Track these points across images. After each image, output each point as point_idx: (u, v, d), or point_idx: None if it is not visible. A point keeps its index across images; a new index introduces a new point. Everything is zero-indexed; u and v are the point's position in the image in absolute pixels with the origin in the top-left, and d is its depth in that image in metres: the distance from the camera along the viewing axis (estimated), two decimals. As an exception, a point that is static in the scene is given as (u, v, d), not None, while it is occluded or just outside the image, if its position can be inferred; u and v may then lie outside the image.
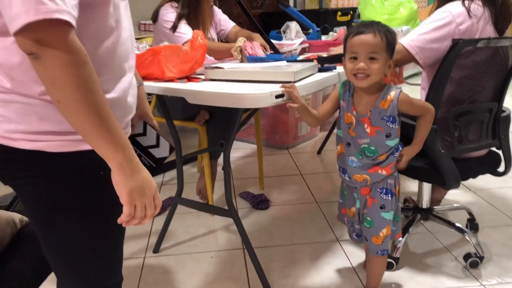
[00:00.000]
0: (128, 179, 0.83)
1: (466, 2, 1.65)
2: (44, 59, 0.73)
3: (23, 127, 0.85)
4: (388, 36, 1.40)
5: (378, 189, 1.52)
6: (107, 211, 0.93)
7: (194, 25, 2.30)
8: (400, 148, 1.52)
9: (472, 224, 2.14)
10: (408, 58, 1.68)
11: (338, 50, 1.96)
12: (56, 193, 0.90)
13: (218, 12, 2.61)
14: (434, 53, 1.65)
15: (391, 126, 1.46)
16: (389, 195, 1.52)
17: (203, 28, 2.33)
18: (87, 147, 0.85)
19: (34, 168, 0.88)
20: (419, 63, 1.67)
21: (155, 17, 2.34)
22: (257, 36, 2.37)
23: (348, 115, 1.50)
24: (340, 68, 1.81)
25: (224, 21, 2.61)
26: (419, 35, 1.66)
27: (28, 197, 0.92)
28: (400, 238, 1.79)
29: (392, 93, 1.44)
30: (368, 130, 1.47)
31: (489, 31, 1.68)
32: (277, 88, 1.42)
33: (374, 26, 1.40)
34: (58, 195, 0.90)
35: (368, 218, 1.55)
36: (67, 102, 0.76)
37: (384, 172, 1.51)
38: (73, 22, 0.75)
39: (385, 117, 1.45)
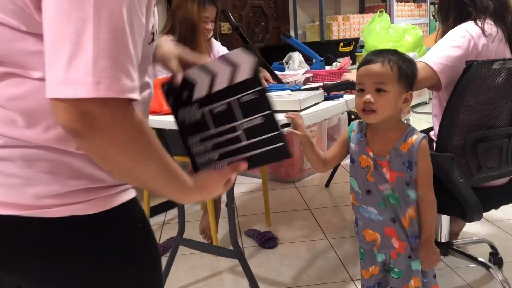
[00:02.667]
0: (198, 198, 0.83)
1: (479, 22, 1.58)
2: (90, 138, 0.61)
3: (54, 187, 0.69)
4: (401, 65, 1.21)
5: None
6: (152, 265, 0.83)
7: None
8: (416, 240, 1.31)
9: (496, 259, 2.00)
10: (432, 76, 1.56)
11: (352, 75, 1.88)
12: (97, 256, 0.74)
13: (216, 44, 2.58)
14: (455, 71, 1.54)
15: (409, 173, 1.25)
16: (416, 238, 1.32)
17: (199, 47, 2.30)
18: (124, 199, 0.75)
19: (66, 239, 0.71)
20: (435, 86, 1.58)
21: None
22: None
23: (363, 157, 1.31)
24: (347, 96, 1.73)
25: (222, 53, 2.57)
26: (439, 52, 1.57)
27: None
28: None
29: (415, 136, 1.24)
30: (387, 175, 1.27)
31: (505, 52, 1.60)
32: (282, 118, 1.33)
33: (385, 54, 1.24)
34: (99, 258, 0.74)
35: (396, 270, 1.36)
36: (118, 171, 0.68)
37: (396, 245, 1.32)
38: (139, 97, 0.63)
39: (405, 162, 1.25)
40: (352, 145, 1.35)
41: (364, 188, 1.34)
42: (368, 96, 1.22)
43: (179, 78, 0.89)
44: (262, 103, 0.83)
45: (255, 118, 0.84)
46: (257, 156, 0.86)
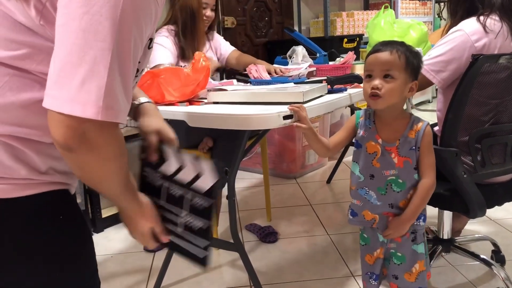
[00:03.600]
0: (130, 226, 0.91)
1: (481, 18, 1.56)
2: (78, 153, 0.69)
3: None
4: (408, 56, 1.26)
5: None
6: (71, 256, 0.83)
7: (189, 42, 2.29)
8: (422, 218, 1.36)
9: (498, 256, 1.98)
10: (428, 81, 1.61)
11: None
12: (9, 242, 0.76)
13: (218, 37, 2.58)
14: (452, 74, 1.58)
15: (416, 157, 1.31)
16: (421, 219, 1.35)
17: (197, 44, 2.30)
18: (41, 189, 0.76)
19: None
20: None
21: None
22: (262, 62, 2.32)
23: (371, 144, 1.34)
24: (351, 90, 1.72)
25: (224, 46, 2.57)
26: (434, 57, 1.59)
27: None
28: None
29: (420, 123, 1.31)
30: (395, 160, 1.31)
31: (509, 48, 1.58)
32: (285, 109, 1.32)
33: (393, 44, 1.28)
34: (12, 244, 0.76)
35: (399, 254, 1.37)
36: (91, 182, 0.77)
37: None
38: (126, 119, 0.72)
39: (413, 147, 1.30)
40: (360, 132, 1.37)
41: (367, 172, 1.36)
42: (376, 82, 1.26)
43: (155, 156, 0.96)
44: (206, 213, 0.90)
45: (198, 220, 0.91)
46: (183, 249, 0.94)
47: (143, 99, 1.04)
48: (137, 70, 0.79)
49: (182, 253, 0.95)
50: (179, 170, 0.94)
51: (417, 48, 1.85)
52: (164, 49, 2.24)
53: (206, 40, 2.47)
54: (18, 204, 0.74)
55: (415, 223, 1.34)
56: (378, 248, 1.40)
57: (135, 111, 1.02)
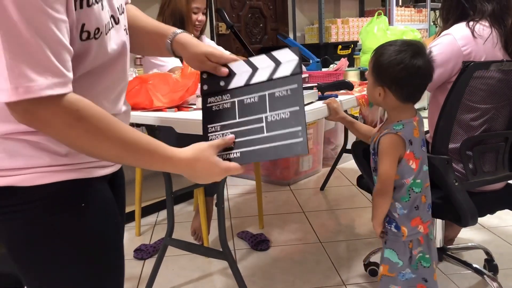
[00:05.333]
0: (193, 178, 0.89)
1: (471, 23, 1.56)
2: (42, 130, 0.74)
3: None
4: (375, 61, 1.31)
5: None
6: (90, 245, 0.84)
7: None
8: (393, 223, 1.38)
9: (491, 265, 1.96)
10: None
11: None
12: (31, 229, 0.80)
13: (210, 42, 2.57)
14: (438, 77, 1.56)
15: (376, 161, 1.36)
16: (392, 225, 1.37)
17: None
18: (64, 177, 0.79)
19: (6, 205, 0.79)
20: None
21: None
22: None
23: None
24: (342, 97, 1.70)
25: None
26: None
27: (4, 236, 0.82)
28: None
29: (385, 131, 1.33)
30: (372, 157, 1.40)
31: (499, 55, 1.57)
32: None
33: (384, 46, 1.33)
34: (33, 230, 0.80)
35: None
36: (84, 152, 0.78)
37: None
38: (65, 89, 0.72)
39: (372, 151, 1.38)
40: None
41: None
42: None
43: (223, 69, 0.96)
44: (292, 100, 0.88)
45: (282, 112, 0.88)
46: (273, 148, 0.88)
47: (176, 31, 1.03)
48: (95, 31, 0.78)
49: (278, 154, 0.89)
50: (252, 74, 0.93)
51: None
52: None
53: None
54: (43, 190, 0.78)
55: (387, 226, 1.38)
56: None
57: (173, 47, 1.02)
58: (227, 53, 0.99)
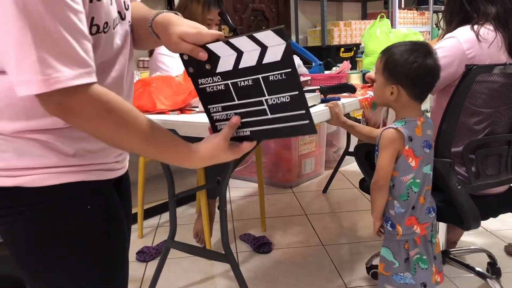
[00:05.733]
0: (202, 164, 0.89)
1: (475, 27, 1.56)
2: (71, 121, 0.74)
3: (0, 164, 0.79)
4: (388, 59, 1.33)
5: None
6: (95, 247, 0.85)
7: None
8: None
9: (494, 269, 1.95)
10: None
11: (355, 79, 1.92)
12: (37, 230, 0.81)
13: None
14: (441, 80, 1.55)
15: (377, 157, 1.39)
16: (388, 224, 1.39)
17: None
18: (71, 179, 0.80)
19: (13, 206, 0.80)
20: None
21: (151, 50, 2.28)
22: None
23: None
24: (344, 99, 1.70)
25: None
26: None
27: (9, 238, 0.82)
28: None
29: (387, 127, 1.36)
30: (376, 154, 1.42)
31: (503, 59, 1.57)
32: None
33: (393, 47, 1.36)
34: (39, 231, 0.81)
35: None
36: (109, 144, 0.80)
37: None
38: (92, 79, 0.72)
39: (376, 147, 1.39)
40: None
41: None
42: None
43: (204, 53, 0.86)
44: (289, 84, 0.85)
45: (282, 96, 0.86)
46: (281, 128, 0.88)
47: (159, 11, 0.93)
48: (104, 25, 0.79)
49: (287, 133, 0.89)
50: (239, 58, 0.86)
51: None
52: (171, 58, 2.22)
53: None
54: (50, 192, 0.79)
55: (384, 224, 1.39)
56: None
57: (155, 30, 0.92)
58: (205, 30, 0.87)
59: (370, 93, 1.94)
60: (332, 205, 2.97)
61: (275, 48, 0.83)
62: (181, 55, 0.90)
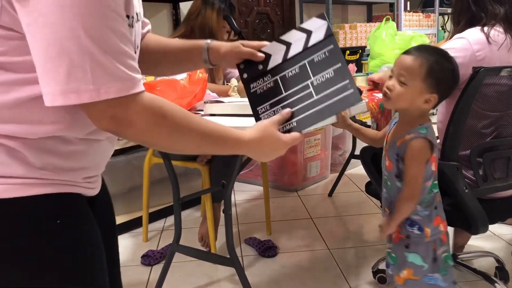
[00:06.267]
0: (259, 157, 0.93)
1: (486, 28, 1.54)
2: (126, 133, 0.72)
3: None
4: (433, 67, 1.22)
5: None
6: (64, 265, 0.77)
7: None
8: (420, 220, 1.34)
9: (502, 273, 1.93)
10: None
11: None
12: None
13: None
14: None
15: (400, 167, 1.31)
16: (415, 228, 1.33)
17: (216, 69, 2.26)
18: (40, 191, 0.73)
19: None
20: None
21: None
22: None
23: (385, 143, 1.41)
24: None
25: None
26: None
27: None
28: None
29: (412, 135, 1.27)
30: (387, 163, 1.35)
31: (511, 60, 1.55)
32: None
33: (425, 50, 1.27)
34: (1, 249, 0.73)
35: (393, 255, 1.38)
36: (164, 149, 0.83)
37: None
38: (142, 87, 0.72)
39: (396, 156, 1.30)
40: (388, 129, 1.43)
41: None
42: (390, 83, 1.27)
43: (259, 54, 1.00)
44: (332, 59, 0.92)
45: (326, 73, 0.92)
46: (327, 107, 0.92)
47: (208, 41, 1.05)
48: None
49: (335, 110, 0.92)
50: (288, 50, 0.97)
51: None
52: None
53: None
54: (14, 205, 0.72)
55: (409, 229, 1.34)
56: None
57: (210, 55, 1.04)
58: (257, 42, 1.03)
59: (376, 95, 1.93)
60: (338, 209, 2.96)
61: (318, 29, 0.95)
62: (238, 66, 1.02)
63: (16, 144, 0.71)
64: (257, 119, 0.99)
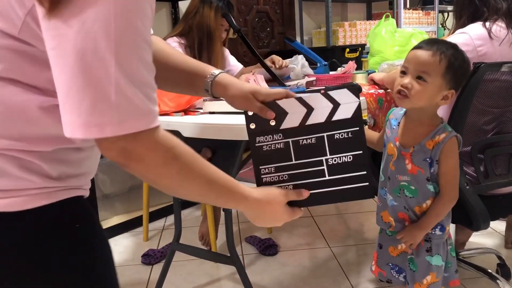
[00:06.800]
0: (256, 220, 0.88)
1: (487, 24, 1.53)
2: (132, 167, 0.69)
3: None
4: (453, 62, 1.19)
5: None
6: (88, 267, 0.77)
7: (204, 61, 2.23)
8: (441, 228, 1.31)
9: (504, 270, 1.93)
10: None
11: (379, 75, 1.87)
12: (19, 260, 0.71)
13: (226, 53, 2.56)
14: None
15: (431, 170, 1.26)
16: (437, 229, 1.31)
17: (213, 64, 2.26)
18: (55, 199, 0.72)
19: None
20: None
21: None
22: (258, 66, 2.30)
23: (390, 146, 1.33)
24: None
25: (232, 61, 2.56)
26: None
27: None
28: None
29: (443, 135, 1.23)
30: (409, 167, 1.28)
31: (512, 56, 1.54)
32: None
33: (439, 44, 1.21)
34: (22, 262, 0.72)
35: (415, 262, 1.34)
36: (168, 190, 0.76)
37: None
38: (157, 122, 0.67)
39: (427, 159, 1.25)
40: (387, 130, 1.36)
41: (386, 174, 1.35)
42: (407, 81, 1.20)
43: (272, 113, 0.90)
44: (354, 143, 0.85)
45: (344, 156, 0.85)
46: (336, 192, 0.86)
47: (215, 71, 0.98)
48: None
49: (341, 198, 0.88)
50: (308, 115, 0.87)
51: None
52: None
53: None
54: (33, 216, 0.70)
55: (431, 231, 1.31)
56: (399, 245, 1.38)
57: (213, 88, 0.97)
58: (272, 90, 0.92)
59: (373, 90, 1.92)
60: (338, 207, 2.95)
61: (348, 105, 0.85)
62: (246, 112, 0.93)
63: (32, 157, 0.71)
64: (258, 179, 0.91)
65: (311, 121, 0.87)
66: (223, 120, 1.39)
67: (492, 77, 1.47)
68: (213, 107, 1.52)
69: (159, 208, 2.81)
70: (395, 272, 1.39)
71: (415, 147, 1.26)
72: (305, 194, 0.88)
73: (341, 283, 2.00)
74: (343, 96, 0.86)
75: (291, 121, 0.88)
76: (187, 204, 2.95)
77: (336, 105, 0.86)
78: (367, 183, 0.84)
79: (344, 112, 0.85)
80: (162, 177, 0.71)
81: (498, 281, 1.75)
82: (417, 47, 1.23)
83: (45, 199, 0.72)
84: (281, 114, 0.89)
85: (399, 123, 1.32)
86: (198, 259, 2.15)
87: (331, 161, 0.86)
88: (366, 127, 1.46)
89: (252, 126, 0.92)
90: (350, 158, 0.85)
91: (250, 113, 0.92)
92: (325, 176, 0.87)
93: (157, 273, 2.00)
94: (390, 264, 1.40)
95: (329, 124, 0.86)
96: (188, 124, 1.42)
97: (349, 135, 0.85)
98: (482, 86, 1.45)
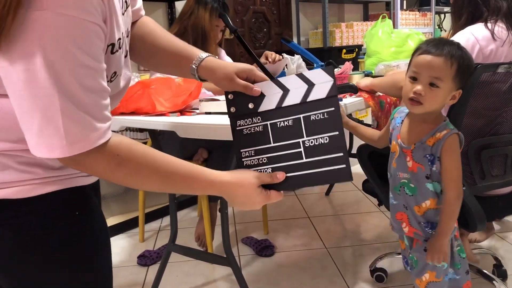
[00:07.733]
0: (231, 203, 0.89)
1: (489, 25, 1.53)
2: (86, 172, 0.78)
3: None
4: (461, 63, 1.19)
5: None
6: (86, 254, 0.84)
7: None
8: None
9: (500, 271, 1.93)
10: None
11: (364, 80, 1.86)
12: (24, 240, 0.78)
13: (222, 53, 2.55)
14: None
15: (431, 167, 1.26)
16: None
17: None
18: (57, 187, 0.78)
19: None
20: None
21: None
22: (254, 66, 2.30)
23: (393, 143, 1.35)
24: (346, 100, 1.68)
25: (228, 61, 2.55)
26: None
27: None
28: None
29: (444, 132, 1.23)
30: (409, 164, 1.29)
31: (514, 57, 1.55)
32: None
33: (448, 47, 1.20)
34: (25, 243, 0.78)
35: (415, 258, 1.35)
36: (131, 187, 0.82)
37: (406, 230, 1.33)
38: (107, 137, 0.74)
39: (427, 155, 1.25)
40: (391, 128, 1.38)
41: (389, 171, 1.37)
42: (420, 88, 1.20)
43: (257, 89, 0.90)
44: (330, 124, 0.84)
45: (321, 137, 0.84)
46: (314, 175, 0.85)
47: (202, 55, 0.98)
48: (112, 75, 0.80)
49: (321, 180, 0.86)
50: (284, 96, 0.87)
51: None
52: None
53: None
54: (36, 202, 0.77)
55: (430, 232, 1.30)
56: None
57: (199, 71, 0.97)
58: (257, 70, 0.93)
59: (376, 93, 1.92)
60: (335, 208, 2.95)
61: (322, 85, 0.84)
62: (226, 95, 0.93)
63: (30, 154, 0.75)
64: (239, 162, 0.92)
65: (287, 102, 0.87)
66: (219, 120, 1.38)
67: (488, 79, 1.46)
68: (209, 108, 1.52)
69: (155, 209, 2.80)
70: (405, 263, 1.43)
71: (416, 144, 1.27)
72: (280, 176, 0.88)
73: (338, 284, 1.99)
74: (318, 76, 0.86)
75: (269, 103, 0.89)
76: (183, 205, 2.94)
77: (310, 85, 0.86)
78: (345, 165, 0.83)
79: (319, 92, 0.85)
80: (114, 179, 0.78)
81: (494, 282, 1.74)
82: (425, 51, 1.21)
83: (49, 186, 0.78)
84: (260, 97, 0.90)
85: (402, 121, 1.34)
86: (194, 260, 2.14)
87: (308, 143, 0.86)
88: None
89: (233, 109, 0.93)
90: (326, 139, 0.84)
91: (231, 97, 0.93)
92: (302, 159, 0.86)
93: (153, 274, 1.99)
94: (407, 258, 1.42)
95: (305, 105, 0.86)
96: (184, 124, 1.42)
97: (325, 116, 0.84)
98: (478, 87, 1.45)
